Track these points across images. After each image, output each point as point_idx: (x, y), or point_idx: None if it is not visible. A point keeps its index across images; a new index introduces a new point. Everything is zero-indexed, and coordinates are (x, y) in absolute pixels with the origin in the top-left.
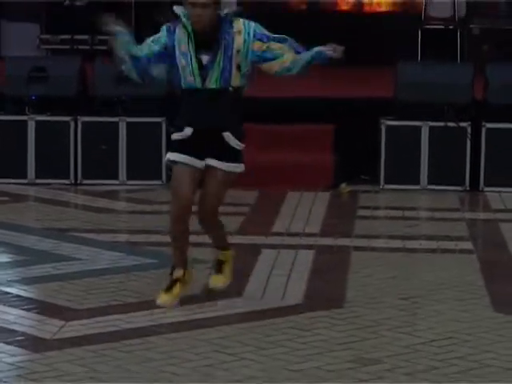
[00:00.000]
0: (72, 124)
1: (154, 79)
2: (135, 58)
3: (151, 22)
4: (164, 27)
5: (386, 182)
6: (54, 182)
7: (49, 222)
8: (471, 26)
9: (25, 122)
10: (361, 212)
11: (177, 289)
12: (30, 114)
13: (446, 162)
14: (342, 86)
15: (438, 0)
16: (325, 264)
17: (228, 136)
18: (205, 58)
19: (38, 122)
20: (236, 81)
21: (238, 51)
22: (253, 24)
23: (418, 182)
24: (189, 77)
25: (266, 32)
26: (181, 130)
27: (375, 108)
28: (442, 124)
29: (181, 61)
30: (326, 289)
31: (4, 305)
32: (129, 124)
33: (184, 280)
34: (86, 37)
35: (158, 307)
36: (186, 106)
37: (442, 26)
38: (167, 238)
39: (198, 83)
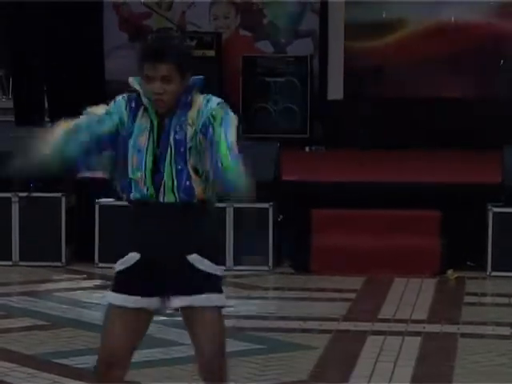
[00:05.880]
0: None
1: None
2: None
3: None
4: (121, 99)
5: (493, 269)
6: None
7: None
8: None
9: None
10: (468, 299)
11: None
12: None
13: None
14: (447, 170)
15: None
16: (432, 350)
17: (194, 258)
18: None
19: None
20: (199, 190)
21: (190, 148)
22: (214, 104)
23: None
24: (140, 183)
25: (225, 127)
26: (123, 255)
27: (482, 193)
28: None
29: (133, 158)
30: (433, 375)
31: None
32: None
33: None
34: None
35: None
36: (135, 224)
37: None
38: (275, 324)
39: (151, 194)
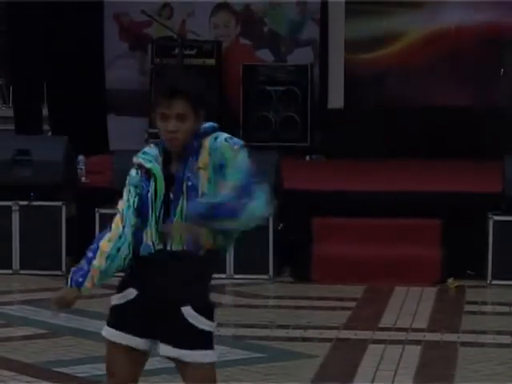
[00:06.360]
0: None
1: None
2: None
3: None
4: (133, 171)
5: (494, 278)
6: None
7: None
8: None
9: None
10: (468, 307)
11: None
12: None
13: None
14: (448, 179)
15: None
16: (432, 359)
17: (188, 312)
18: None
19: None
20: (207, 240)
21: (204, 194)
22: (222, 141)
23: None
24: (149, 235)
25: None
26: (122, 290)
27: (482, 202)
28: None
29: (143, 211)
30: None
31: None
32: None
33: None
34: None
35: None
36: (140, 264)
37: None
38: (275, 333)
39: (158, 243)
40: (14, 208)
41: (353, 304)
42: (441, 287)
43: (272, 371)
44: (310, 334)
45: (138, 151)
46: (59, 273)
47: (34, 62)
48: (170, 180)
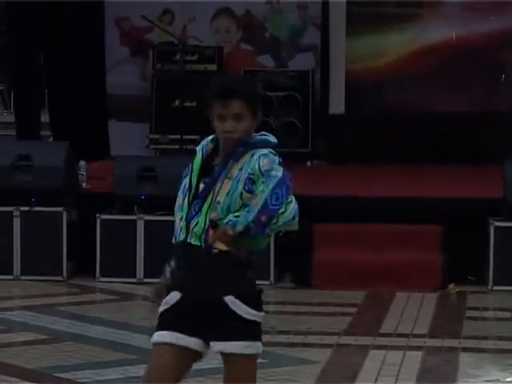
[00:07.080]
0: None
1: None
2: None
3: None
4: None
5: (495, 283)
6: None
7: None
8: None
9: (134, 222)
10: (469, 313)
11: None
12: (139, 213)
13: None
14: (448, 185)
15: None
16: (433, 365)
17: (232, 301)
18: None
19: (146, 222)
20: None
21: (218, 202)
22: (256, 157)
23: None
24: (180, 224)
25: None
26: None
27: (483, 208)
28: None
29: (179, 199)
30: None
31: None
32: None
33: None
34: (195, 137)
35: None
36: (177, 263)
37: None
38: (276, 338)
39: (183, 232)
40: (14, 213)
41: (353, 310)
42: (442, 293)
43: (273, 377)
44: (310, 339)
45: (139, 157)
46: (60, 278)
47: (34, 66)
48: (207, 171)
